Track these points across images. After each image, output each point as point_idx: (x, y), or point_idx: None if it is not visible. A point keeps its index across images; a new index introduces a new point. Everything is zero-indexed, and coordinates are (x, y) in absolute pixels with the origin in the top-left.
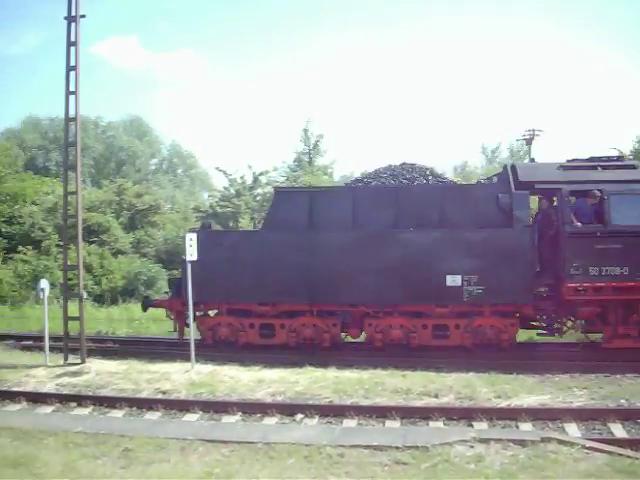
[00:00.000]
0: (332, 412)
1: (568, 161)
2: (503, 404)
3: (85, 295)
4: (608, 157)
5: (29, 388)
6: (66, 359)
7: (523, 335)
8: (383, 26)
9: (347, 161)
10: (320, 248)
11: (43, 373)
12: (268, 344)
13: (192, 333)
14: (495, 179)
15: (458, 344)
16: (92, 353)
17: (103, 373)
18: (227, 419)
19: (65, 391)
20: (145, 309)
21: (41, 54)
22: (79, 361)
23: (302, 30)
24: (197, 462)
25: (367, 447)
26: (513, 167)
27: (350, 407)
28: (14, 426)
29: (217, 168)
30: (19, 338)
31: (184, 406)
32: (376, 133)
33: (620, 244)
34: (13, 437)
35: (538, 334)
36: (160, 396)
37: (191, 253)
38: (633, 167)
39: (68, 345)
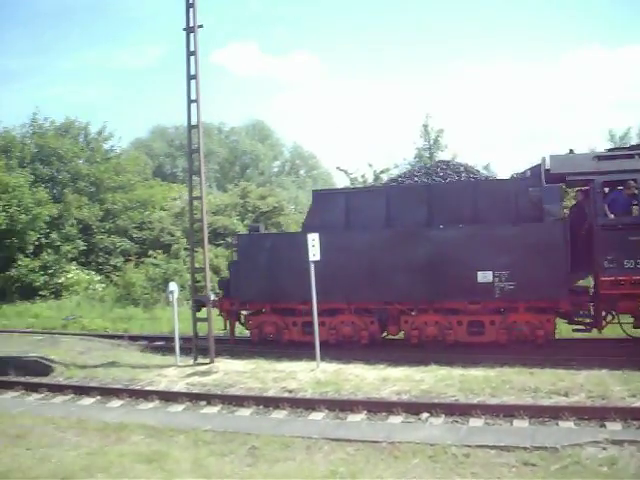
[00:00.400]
0: (458, 411)
1: (607, 150)
2: (638, 403)
3: (213, 296)
4: None
5: (161, 387)
6: (196, 359)
7: None
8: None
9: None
10: (355, 247)
11: (174, 373)
12: (311, 341)
13: (316, 332)
14: (529, 173)
15: (493, 340)
16: (220, 353)
17: (231, 372)
18: (352, 418)
19: (195, 390)
20: (198, 309)
21: (164, 65)
22: (208, 361)
23: (411, 25)
24: (322, 461)
25: (494, 447)
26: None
27: (477, 406)
28: (147, 424)
29: (338, 168)
30: (151, 339)
31: (310, 405)
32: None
33: None
34: (146, 434)
35: (574, 330)
36: (286, 395)
37: (314, 253)
38: None
39: (197, 345)
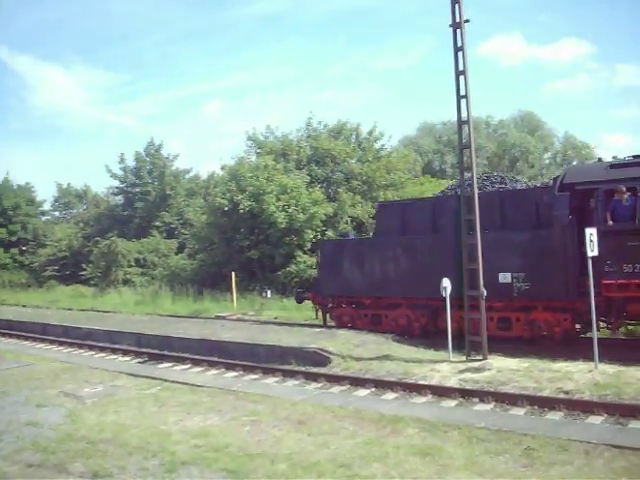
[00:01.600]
0: None
1: (633, 157)
2: None
3: (485, 292)
4: None
5: (434, 382)
6: (468, 355)
7: None
8: None
9: None
10: (408, 250)
11: (447, 368)
12: (378, 330)
13: (595, 332)
14: (551, 182)
15: (519, 335)
16: (493, 350)
17: (504, 370)
18: (635, 424)
19: (468, 386)
20: (299, 301)
21: (427, 63)
22: (481, 357)
23: None
24: (602, 468)
25: None
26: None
27: None
28: (421, 417)
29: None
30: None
31: (587, 407)
32: None
33: None
34: (420, 428)
35: (577, 330)
36: (562, 396)
37: (592, 248)
38: None
39: (470, 342)
